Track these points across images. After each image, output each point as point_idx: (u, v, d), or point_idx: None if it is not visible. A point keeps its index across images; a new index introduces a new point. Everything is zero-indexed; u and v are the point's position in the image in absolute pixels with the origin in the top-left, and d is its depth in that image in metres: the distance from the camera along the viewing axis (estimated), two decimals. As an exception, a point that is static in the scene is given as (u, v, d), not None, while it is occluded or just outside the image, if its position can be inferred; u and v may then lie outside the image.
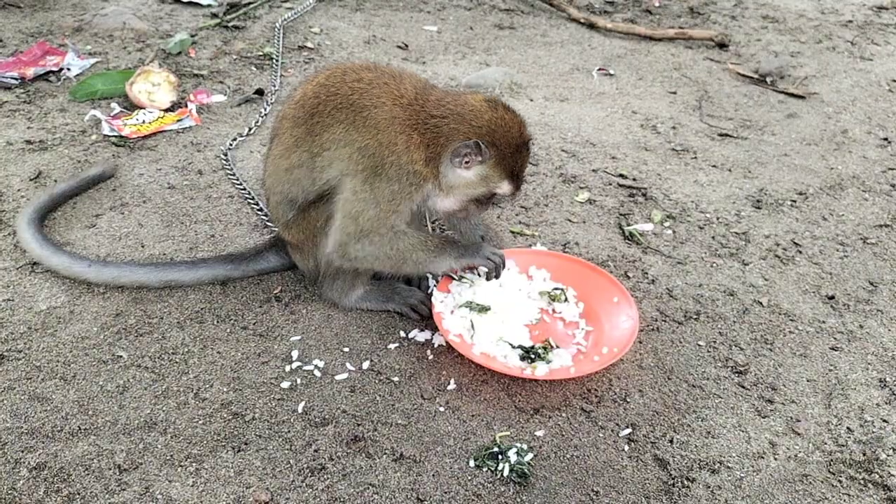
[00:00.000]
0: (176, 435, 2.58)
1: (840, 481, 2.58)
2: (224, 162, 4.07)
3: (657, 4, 7.36)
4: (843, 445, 2.71)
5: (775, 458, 2.64)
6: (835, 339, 3.22)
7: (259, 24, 5.96)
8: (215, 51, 5.39)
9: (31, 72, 4.69)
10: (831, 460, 2.65)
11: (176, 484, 2.42)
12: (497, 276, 3.04)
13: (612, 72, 5.81)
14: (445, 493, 2.44)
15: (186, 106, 4.56)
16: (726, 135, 4.97)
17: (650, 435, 2.70)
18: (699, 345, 3.13)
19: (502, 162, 2.87)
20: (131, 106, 4.50)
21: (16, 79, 4.65)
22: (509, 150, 2.86)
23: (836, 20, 7.26)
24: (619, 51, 6.23)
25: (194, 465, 2.48)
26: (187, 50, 5.32)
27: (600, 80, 5.68)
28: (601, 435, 2.69)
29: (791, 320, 3.32)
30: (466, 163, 2.85)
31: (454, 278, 3.14)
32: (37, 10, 5.76)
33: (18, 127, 4.25)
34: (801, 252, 3.78)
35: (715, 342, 3.16)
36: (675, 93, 5.56)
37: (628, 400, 2.83)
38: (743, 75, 5.93)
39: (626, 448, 2.64)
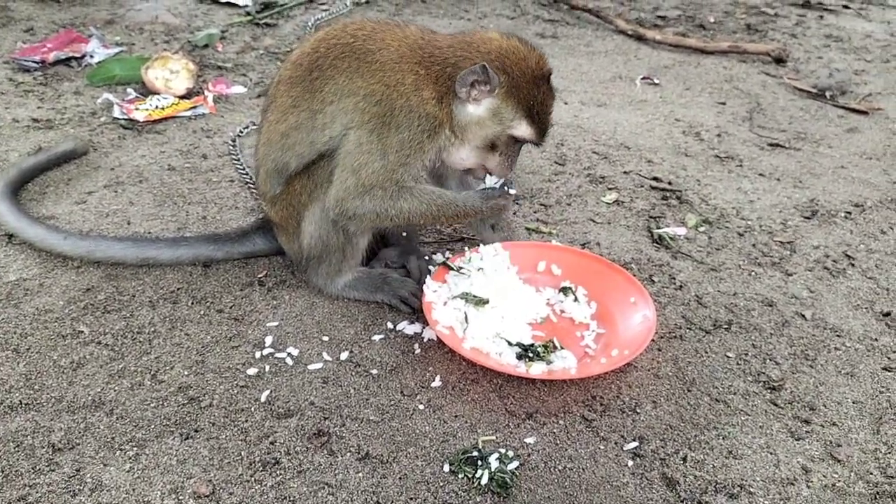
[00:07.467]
0: (122, 416, 2.32)
1: (887, 519, 2.15)
2: (231, 147, 3.87)
3: (712, 20, 7.00)
4: (892, 477, 2.27)
5: (808, 486, 2.23)
6: (888, 358, 2.78)
7: (291, 22, 5.84)
8: (243, 45, 5.26)
9: (52, 56, 4.62)
10: (877, 493, 2.21)
11: (110, 468, 2.15)
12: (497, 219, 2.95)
13: (656, 81, 5.46)
14: (411, 498, 2.10)
15: (203, 94, 4.41)
16: (777, 145, 4.55)
17: (660, 451, 2.31)
18: (728, 356, 2.74)
19: (516, 93, 2.57)
20: (147, 91, 4.37)
21: (37, 62, 4.58)
22: (523, 79, 2.56)
23: (907, 41, 6.79)
24: (667, 62, 5.87)
25: (135, 449, 2.21)
26: (214, 43, 5.20)
27: (643, 89, 5.33)
28: (602, 447, 2.31)
29: (838, 336, 2.89)
30: (475, 95, 2.56)
31: (452, 268, 2.82)
32: (74, 4, 5.76)
33: (29, 106, 4.15)
34: (853, 265, 3.35)
35: (747, 354, 2.75)
36: (724, 103, 5.17)
37: (638, 411, 2.46)
38: (800, 90, 5.50)
39: (630, 463, 2.26)
